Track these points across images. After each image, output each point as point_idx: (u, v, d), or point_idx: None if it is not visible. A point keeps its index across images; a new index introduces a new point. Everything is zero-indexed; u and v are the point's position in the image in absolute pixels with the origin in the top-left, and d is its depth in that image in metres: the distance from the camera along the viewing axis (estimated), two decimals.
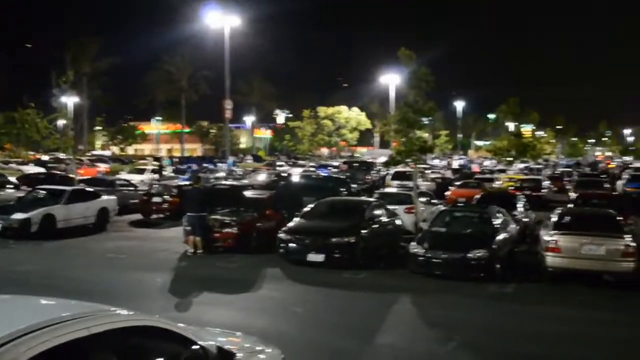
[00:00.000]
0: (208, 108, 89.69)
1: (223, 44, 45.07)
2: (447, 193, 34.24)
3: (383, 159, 44.05)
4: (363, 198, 23.92)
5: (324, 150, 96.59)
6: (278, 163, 68.06)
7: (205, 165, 59.62)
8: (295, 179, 31.32)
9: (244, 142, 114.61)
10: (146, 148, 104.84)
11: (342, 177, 36.40)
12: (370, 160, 57.64)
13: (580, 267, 14.96)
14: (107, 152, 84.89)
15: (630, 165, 69.52)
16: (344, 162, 54.84)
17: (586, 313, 12.74)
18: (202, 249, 17.96)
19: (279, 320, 11.75)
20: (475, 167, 53.30)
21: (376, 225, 18.21)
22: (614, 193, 30.39)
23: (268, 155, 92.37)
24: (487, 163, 75.12)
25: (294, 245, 16.81)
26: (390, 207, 20.59)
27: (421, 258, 15.57)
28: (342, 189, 27.64)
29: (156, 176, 40.45)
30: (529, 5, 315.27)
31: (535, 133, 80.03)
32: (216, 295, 13.83)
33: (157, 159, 60.67)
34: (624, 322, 12.12)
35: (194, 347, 4.88)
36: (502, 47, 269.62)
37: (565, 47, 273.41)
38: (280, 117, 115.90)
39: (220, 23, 45.34)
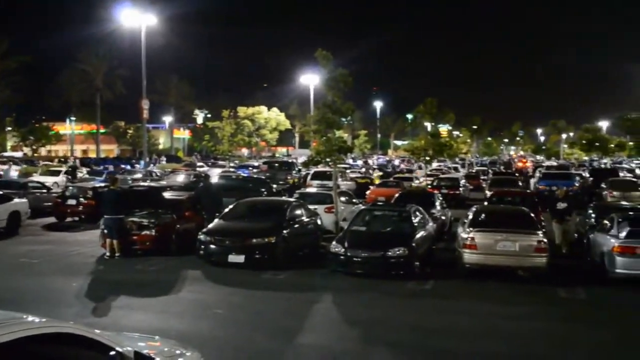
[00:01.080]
0: (125, 108, 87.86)
1: (140, 42, 44.22)
2: (368, 192, 34.62)
3: (304, 159, 44.22)
4: (283, 198, 23.90)
5: (244, 151, 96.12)
6: (198, 164, 67.32)
7: (122, 166, 58.50)
8: (215, 179, 30.98)
9: (162, 142, 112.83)
10: (60, 149, 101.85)
11: (262, 177, 36.30)
12: (291, 161, 57.71)
13: (495, 263, 15.38)
14: (18, 154, 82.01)
15: (542, 164, 71.96)
16: (264, 163, 54.73)
17: (502, 308, 13.08)
18: (119, 252, 17.54)
19: (200, 323, 11.59)
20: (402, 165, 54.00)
21: (297, 225, 18.21)
22: (527, 191, 31.27)
23: (187, 156, 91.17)
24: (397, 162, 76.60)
25: (214, 246, 16.63)
26: (310, 206, 20.65)
27: (341, 257, 15.67)
28: (262, 190, 27.57)
29: (65, 178, 39.49)
30: (448, 9, 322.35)
31: (452, 133, 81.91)
32: (134, 299, 13.51)
33: (64, 160, 59.35)
34: (537, 316, 12.50)
35: (111, 353, 4.74)
36: (422, 48, 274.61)
37: (483, 51, 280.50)
38: (200, 117, 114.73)
39: (137, 22, 44.44)
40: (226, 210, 18.92)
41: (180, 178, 37.56)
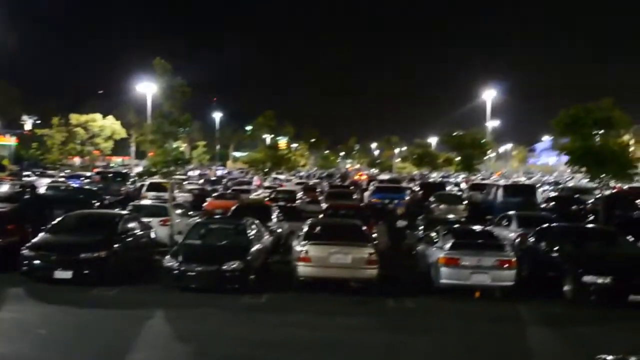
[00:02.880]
0: None
1: None
2: (205, 204, 34.18)
3: (139, 170, 42.97)
4: (115, 211, 23.04)
5: (77, 160, 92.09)
6: (25, 173, 63.59)
7: None
8: (43, 190, 29.40)
9: None
10: None
11: (94, 188, 34.90)
12: (125, 171, 55.93)
13: (329, 275, 15.67)
14: None
15: (376, 177, 74.42)
16: (97, 173, 52.61)
17: (335, 319, 13.36)
18: None
19: (20, 345, 10.88)
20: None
21: (129, 239, 17.61)
22: (360, 204, 32.17)
23: (13, 165, 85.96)
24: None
25: (38, 262, 15.66)
26: (145, 219, 20.08)
27: (175, 272, 15.33)
28: (93, 201, 26.50)
29: None
30: (291, 23, 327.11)
31: (291, 145, 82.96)
32: None
33: None
34: (369, 326, 12.89)
35: None
36: (263, 61, 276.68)
37: (323, 66, 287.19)
38: (28, 123, 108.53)
39: None
40: (53, 223, 17.94)
41: (4, 188, 35.25)
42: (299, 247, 16.21)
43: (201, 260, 15.56)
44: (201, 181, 57.85)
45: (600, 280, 14.72)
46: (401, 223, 20.69)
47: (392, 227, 21.42)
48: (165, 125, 21.38)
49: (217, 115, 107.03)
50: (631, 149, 36.13)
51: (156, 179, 30.17)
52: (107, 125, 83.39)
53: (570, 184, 56.70)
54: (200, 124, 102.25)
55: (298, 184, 53.94)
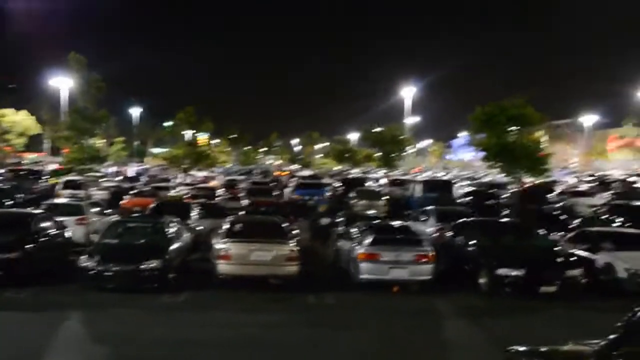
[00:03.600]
0: None
1: None
2: (122, 202, 33.49)
3: (54, 167, 41.74)
4: (28, 210, 22.28)
5: None
6: None
7: None
8: None
9: None
10: None
11: (5, 186, 33.66)
12: (39, 169, 54.22)
13: (250, 272, 15.63)
14: None
15: (297, 174, 74.51)
16: (9, 170, 50.76)
17: (255, 317, 13.31)
18: None
19: None
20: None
21: (43, 239, 17.06)
22: (281, 201, 32.10)
23: None
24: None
25: None
26: (60, 218, 19.50)
27: (92, 272, 14.98)
28: (4, 200, 25.58)
29: None
30: (207, 21, 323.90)
31: (211, 142, 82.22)
32: None
33: None
34: (290, 323, 12.93)
35: None
36: (181, 56, 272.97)
37: (241, 60, 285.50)
38: None
39: None
40: None
41: None
42: (219, 244, 16.09)
43: (118, 259, 15.24)
44: (118, 178, 56.67)
45: (513, 273, 15.21)
46: (325, 220, 20.68)
47: (313, 223, 21.45)
48: (80, 121, 20.88)
49: (136, 111, 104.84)
50: (543, 145, 37.47)
51: (72, 177, 29.44)
52: (19, 120, 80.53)
53: (486, 179, 58.25)
54: (117, 120, 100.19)
55: (229, 180, 53.18)
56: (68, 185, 35.31)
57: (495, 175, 48.28)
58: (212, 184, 47.63)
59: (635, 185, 50.49)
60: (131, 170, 78.34)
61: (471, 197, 36.05)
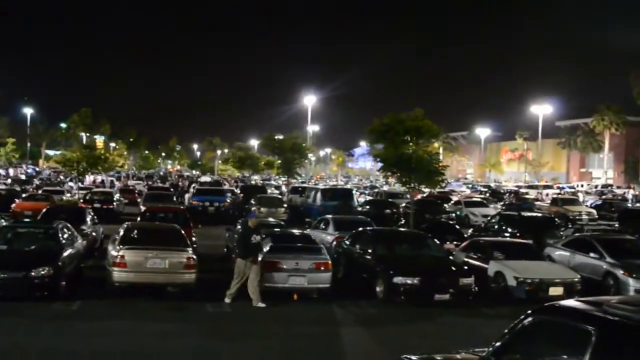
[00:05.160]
0: None
1: None
2: (13, 205, 32.19)
3: None
4: None
5: None
6: None
7: None
8: None
9: None
10: None
11: None
12: None
13: (146, 280, 15.28)
14: None
15: (197, 180, 73.68)
16: None
17: (152, 326, 13.02)
18: None
19: None
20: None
21: None
22: (180, 207, 31.41)
23: None
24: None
25: None
26: None
27: None
28: None
29: None
30: (106, 17, 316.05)
31: (109, 145, 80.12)
32: None
33: None
34: (187, 332, 12.72)
35: None
36: (77, 55, 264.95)
37: (140, 65, 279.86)
38: None
39: None
40: None
41: None
42: (114, 251, 15.68)
43: (6, 266, 14.58)
44: (9, 181, 54.38)
45: (409, 281, 15.55)
46: (256, 238, 19.44)
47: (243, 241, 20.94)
48: None
49: (28, 112, 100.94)
50: (439, 157, 38.59)
51: None
52: None
53: (385, 188, 59.42)
54: (8, 120, 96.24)
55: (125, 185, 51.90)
56: None
57: (393, 184, 49.32)
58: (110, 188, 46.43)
59: (525, 197, 52.83)
60: (23, 172, 75.34)
61: (370, 206, 36.76)
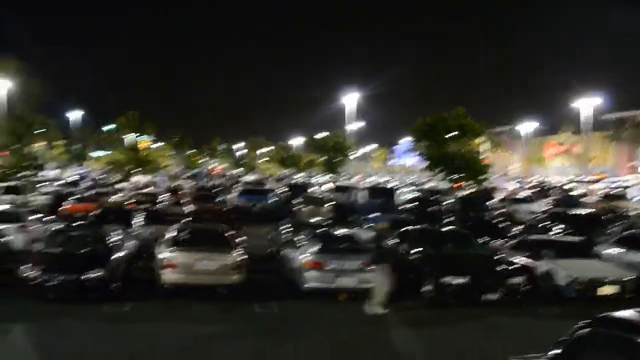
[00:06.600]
0: None
1: None
2: (62, 208, 32.69)
3: None
4: None
5: None
6: None
7: None
8: None
9: None
10: None
11: None
12: None
13: (195, 282, 15.49)
14: None
15: (240, 179, 73.87)
16: None
17: (202, 327, 13.18)
18: None
19: None
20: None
21: None
22: (224, 208, 31.53)
23: None
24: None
25: None
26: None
27: (34, 281, 14.65)
28: None
29: None
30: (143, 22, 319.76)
31: (153, 146, 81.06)
32: None
33: None
34: (236, 333, 12.87)
35: None
36: (123, 60, 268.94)
37: (182, 65, 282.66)
38: None
39: None
40: None
41: None
42: (164, 253, 15.91)
43: (60, 269, 14.94)
44: (59, 183, 55.29)
45: (456, 281, 15.42)
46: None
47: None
48: (18, 127, 20.43)
49: (76, 114, 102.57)
50: (483, 155, 38.20)
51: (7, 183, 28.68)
52: None
53: (428, 185, 58.87)
54: (55, 123, 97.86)
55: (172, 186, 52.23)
56: (8, 190, 34.15)
57: (438, 181, 48.98)
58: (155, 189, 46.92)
59: (571, 193, 51.73)
60: (73, 174, 76.56)
61: (414, 204, 36.51)
